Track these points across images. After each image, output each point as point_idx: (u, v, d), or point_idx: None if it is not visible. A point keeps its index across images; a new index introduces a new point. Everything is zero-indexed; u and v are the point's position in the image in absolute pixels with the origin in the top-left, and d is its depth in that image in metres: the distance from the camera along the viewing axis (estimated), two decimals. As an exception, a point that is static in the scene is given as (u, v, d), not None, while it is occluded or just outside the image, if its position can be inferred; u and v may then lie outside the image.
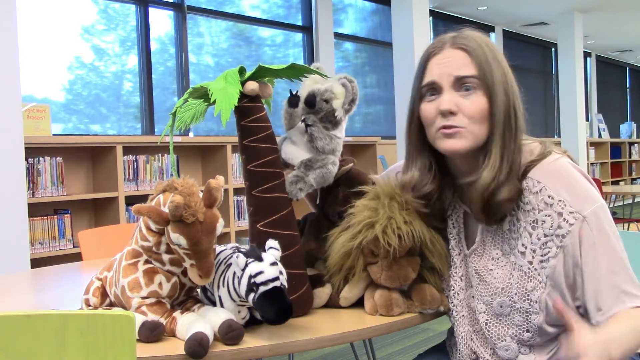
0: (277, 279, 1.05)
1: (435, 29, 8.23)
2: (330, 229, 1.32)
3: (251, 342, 1.08)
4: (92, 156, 4.16)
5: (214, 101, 1.18)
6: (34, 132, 3.74)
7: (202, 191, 1.10)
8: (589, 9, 8.50)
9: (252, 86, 1.24)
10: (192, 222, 1.05)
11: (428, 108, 1.20)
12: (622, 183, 10.96)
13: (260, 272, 1.05)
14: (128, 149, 4.13)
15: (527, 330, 1.18)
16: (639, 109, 13.99)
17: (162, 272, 1.13)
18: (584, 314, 1.15)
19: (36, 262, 3.53)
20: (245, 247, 1.18)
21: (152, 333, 1.06)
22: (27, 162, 3.59)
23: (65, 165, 3.88)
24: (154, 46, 5.18)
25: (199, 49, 5.64)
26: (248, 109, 1.25)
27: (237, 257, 1.07)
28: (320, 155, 1.30)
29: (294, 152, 1.32)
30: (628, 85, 13.83)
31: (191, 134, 5.25)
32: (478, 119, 1.16)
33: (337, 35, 6.86)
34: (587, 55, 11.46)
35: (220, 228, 1.10)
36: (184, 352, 1.00)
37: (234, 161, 4.74)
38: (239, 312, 1.12)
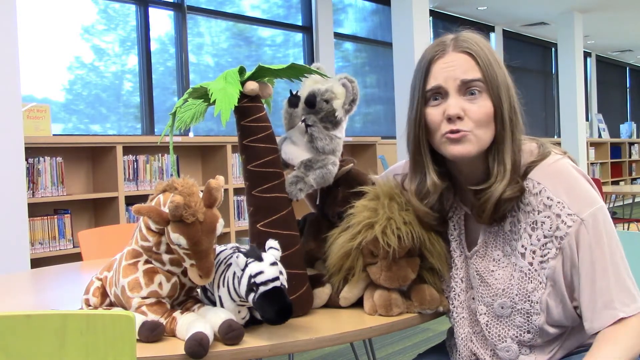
0: (277, 279, 1.05)
1: (435, 29, 8.23)
2: (329, 229, 1.32)
3: (251, 342, 1.08)
4: (92, 156, 4.16)
5: (214, 101, 1.18)
6: (34, 132, 3.74)
7: (202, 191, 1.10)
8: (589, 9, 8.50)
9: (252, 86, 1.23)
10: (192, 222, 1.05)
11: (434, 113, 1.18)
12: (622, 183, 10.96)
13: (260, 272, 1.05)
14: (128, 149, 4.13)
15: (528, 332, 1.18)
16: (639, 109, 13.99)
17: (162, 272, 1.13)
18: (581, 316, 1.16)
19: (36, 262, 3.53)
20: (245, 247, 1.18)
21: (152, 333, 1.06)
22: (27, 162, 3.59)
23: (65, 165, 3.88)
24: (154, 46, 5.18)
25: (199, 49, 5.64)
26: (248, 109, 1.25)
27: (237, 257, 1.07)
28: (321, 155, 1.30)
29: (294, 152, 1.32)
30: (628, 85, 13.83)
31: (191, 134, 5.25)
32: (484, 123, 1.15)
33: (337, 35, 6.87)
34: (587, 55, 11.46)
35: (220, 228, 1.10)
36: (184, 352, 1.00)
37: (234, 161, 4.74)
38: (239, 312, 1.12)
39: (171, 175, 4.34)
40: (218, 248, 1.20)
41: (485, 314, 1.23)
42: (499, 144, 1.16)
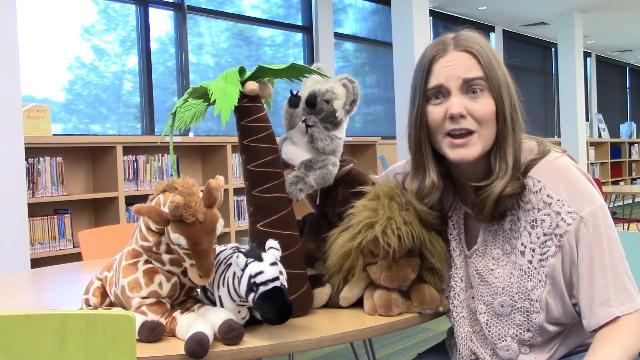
0: (277, 279, 1.05)
1: (435, 29, 8.22)
2: (329, 229, 1.32)
3: (251, 342, 1.08)
4: (92, 156, 4.16)
5: (214, 101, 1.18)
6: (34, 132, 3.74)
7: (202, 191, 1.10)
8: (589, 9, 8.50)
9: (252, 86, 1.23)
10: (192, 222, 1.05)
11: (435, 111, 1.18)
12: (622, 183, 10.96)
13: (260, 272, 1.05)
14: (128, 149, 4.13)
15: (528, 330, 1.18)
16: (639, 109, 13.99)
17: (162, 272, 1.13)
18: (580, 313, 1.16)
19: (36, 262, 3.53)
20: (245, 247, 1.18)
21: (152, 333, 1.06)
22: (27, 162, 3.59)
23: (65, 165, 3.88)
24: (154, 46, 5.18)
25: (199, 49, 5.64)
26: (248, 109, 1.25)
27: (237, 257, 1.07)
28: (321, 156, 1.30)
29: (295, 152, 1.32)
30: (628, 85, 13.83)
31: (191, 134, 5.25)
32: (487, 122, 1.16)
33: (337, 35, 6.86)
34: (587, 55, 11.46)
35: (220, 228, 1.10)
36: (184, 352, 1.00)
37: (234, 161, 4.74)
38: (239, 312, 1.12)
39: (171, 175, 4.34)
40: (218, 248, 1.20)
41: (485, 312, 1.23)
42: (501, 142, 1.17)
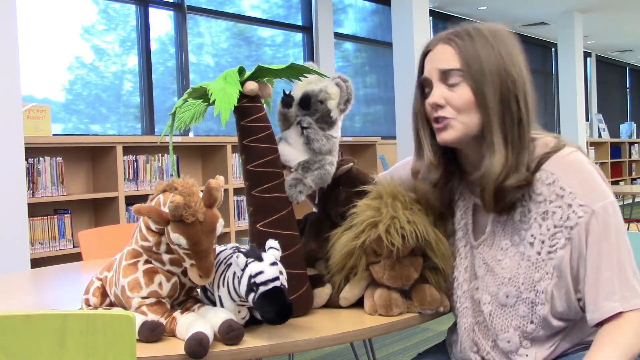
0: (277, 279, 1.05)
1: (435, 29, 8.22)
2: (331, 229, 1.32)
3: (251, 342, 1.08)
4: (92, 156, 4.16)
5: (214, 101, 1.18)
6: (34, 132, 3.74)
7: (202, 191, 1.10)
8: (589, 9, 8.50)
9: (251, 86, 1.24)
10: (192, 222, 1.05)
11: (425, 103, 1.25)
12: (622, 183, 10.96)
13: (260, 272, 1.05)
14: (128, 149, 4.13)
15: (532, 322, 1.19)
16: (639, 109, 13.99)
17: (162, 272, 1.14)
18: (584, 309, 1.16)
19: (36, 262, 3.53)
20: (245, 247, 1.18)
21: (152, 333, 1.06)
22: (27, 162, 3.59)
23: (65, 165, 3.88)
24: (154, 46, 5.18)
25: (199, 49, 5.64)
26: (247, 109, 1.25)
27: (237, 257, 1.07)
28: (318, 156, 1.30)
29: (291, 153, 1.32)
30: (628, 85, 13.83)
31: (191, 134, 5.25)
32: (465, 110, 1.19)
33: (337, 35, 6.86)
34: (587, 55, 11.46)
35: (220, 228, 1.10)
36: (184, 352, 1.00)
37: (234, 161, 4.74)
38: (239, 312, 1.12)
39: (171, 175, 4.34)
40: (218, 248, 1.20)
41: (489, 303, 1.23)
42: (485, 130, 1.19)
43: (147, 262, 1.14)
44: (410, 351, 3.30)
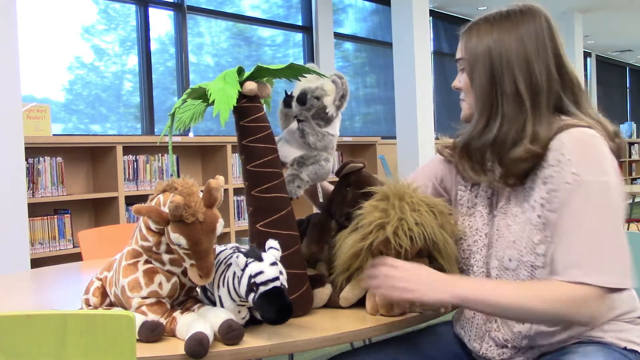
0: (277, 279, 1.05)
1: (435, 29, 8.23)
2: (333, 232, 1.32)
3: (251, 342, 1.08)
4: (92, 156, 4.16)
5: (213, 101, 1.18)
6: (34, 132, 3.74)
7: (202, 191, 1.10)
8: (589, 9, 8.50)
9: (250, 86, 1.24)
10: (192, 222, 1.05)
11: None
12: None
13: (260, 272, 1.05)
14: (128, 149, 4.13)
15: None
16: (639, 109, 13.99)
17: (162, 272, 1.14)
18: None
19: (36, 262, 3.53)
20: (245, 246, 1.18)
21: (152, 333, 1.06)
22: (27, 162, 3.59)
23: (65, 165, 3.88)
24: (154, 46, 5.18)
25: (199, 49, 5.64)
26: (247, 109, 1.25)
27: (237, 257, 1.07)
28: (313, 151, 1.31)
29: (287, 151, 1.33)
30: (628, 85, 13.83)
31: (191, 134, 5.25)
32: (467, 92, 1.31)
33: (337, 35, 6.86)
34: (587, 55, 11.45)
35: (220, 228, 1.10)
36: (184, 352, 1.00)
37: (234, 161, 4.74)
38: (239, 312, 1.12)
39: (171, 175, 4.34)
40: (218, 248, 1.20)
41: (496, 267, 1.26)
42: (475, 106, 1.28)
43: (147, 262, 1.14)
44: (410, 351, 3.29)
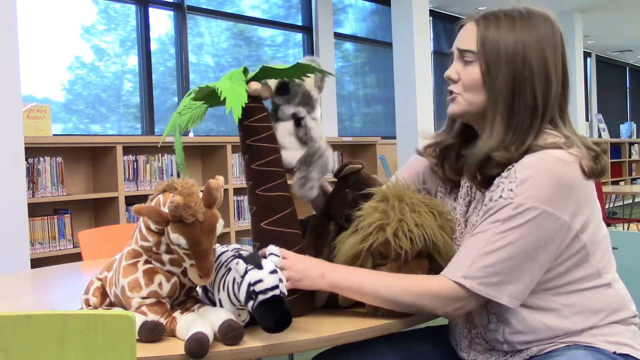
0: (276, 287, 1.04)
1: (435, 29, 8.23)
2: (334, 232, 1.32)
3: (251, 342, 1.08)
4: (92, 156, 4.16)
5: (223, 100, 1.18)
6: (34, 132, 3.74)
7: (202, 191, 1.10)
8: (589, 9, 8.51)
9: (255, 86, 1.25)
10: (192, 222, 1.05)
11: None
12: (622, 183, 10.95)
13: (260, 281, 1.04)
14: (128, 149, 4.13)
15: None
16: (639, 109, 13.99)
17: (162, 272, 1.13)
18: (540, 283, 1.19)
19: (36, 262, 3.53)
20: (246, 247, 1.18)
21: (152, 333, 1.06)
22: (27, 162, 3.59)
23: (65, 165, 3.88)
24: (154, 46, 5.18)
25: (199, 49, 5.65)
26: (251, 109, 1.25)
27: (236, 263, 1.06)
28: (313, 146, 1.31)
29: (286, 155, 1.32)
30: (628, 86, 13.83)
31: (191, 134, 5.25)
32: (472, 88, 1.24)
33: (337, 35, 6.86)
34: (587, 55, 11.46)
35: (220, 228, 1.10)
36: (184, 352, 1.00)
37: (234, 161, 4.74)
38: (239, 315, 1.12)
39: (171, 175, 4.34)
40: (219, 249, 1.20)
41: None
42: (488, 110, 1.22)
43: (147, 262, 1.14)
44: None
